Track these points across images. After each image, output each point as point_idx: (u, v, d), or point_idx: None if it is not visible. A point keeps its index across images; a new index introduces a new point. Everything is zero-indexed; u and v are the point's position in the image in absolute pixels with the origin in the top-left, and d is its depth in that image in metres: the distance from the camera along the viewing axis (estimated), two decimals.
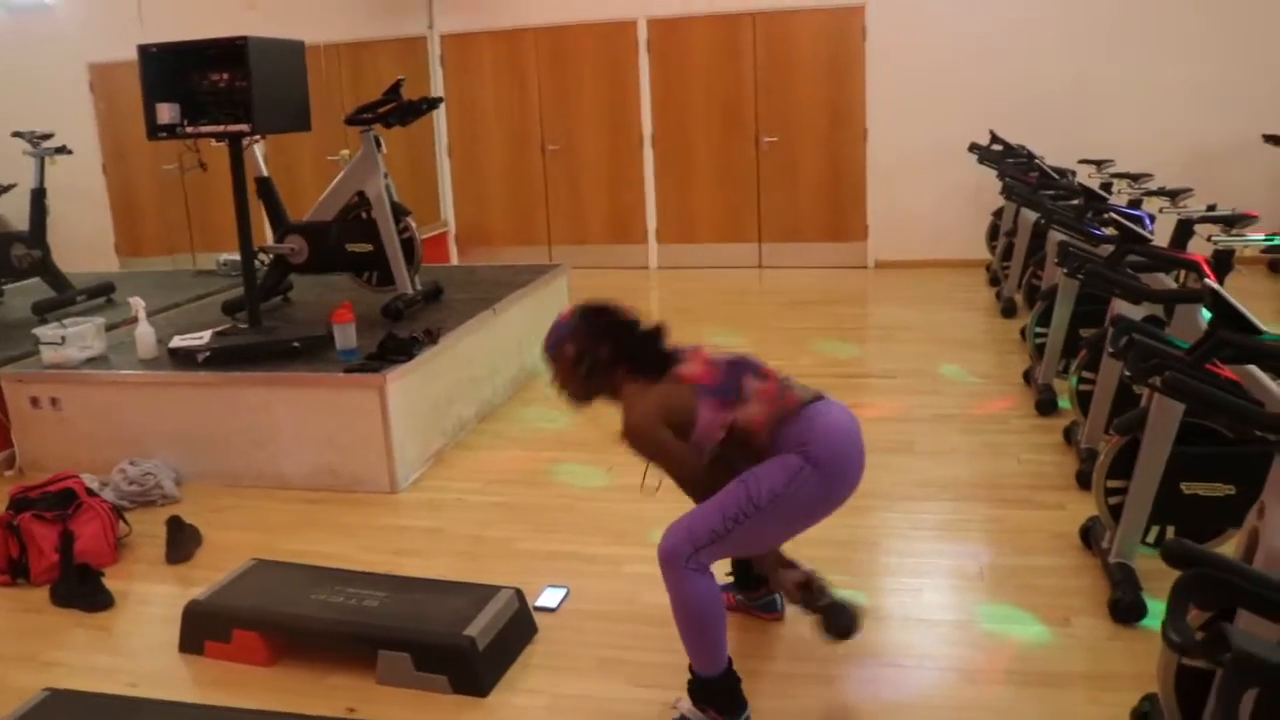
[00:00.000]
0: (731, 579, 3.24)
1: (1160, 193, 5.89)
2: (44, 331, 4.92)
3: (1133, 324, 2.43)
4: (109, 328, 5.24)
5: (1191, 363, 2.07)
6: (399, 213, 5.59)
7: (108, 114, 10.25)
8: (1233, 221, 4.68)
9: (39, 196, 6.41)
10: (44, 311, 5.98)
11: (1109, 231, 4.06)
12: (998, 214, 8.03)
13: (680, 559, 2.56)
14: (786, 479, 2.55)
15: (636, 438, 2.68)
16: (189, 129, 4.93)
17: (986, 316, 7.19)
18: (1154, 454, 3.15)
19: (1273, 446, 2.11)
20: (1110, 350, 2.40)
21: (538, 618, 3.28)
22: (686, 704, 2.67)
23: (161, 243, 10.40)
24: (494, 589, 3.20)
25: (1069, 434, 4.58)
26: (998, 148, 7.74)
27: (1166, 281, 3.90)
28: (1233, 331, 2.03)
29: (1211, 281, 2.22)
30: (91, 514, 3.92)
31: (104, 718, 2.69)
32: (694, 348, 2.81)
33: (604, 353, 2.76)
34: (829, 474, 2.59)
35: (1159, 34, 8.26)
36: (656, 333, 2.82)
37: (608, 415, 5.15)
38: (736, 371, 2.72)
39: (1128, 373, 2.20)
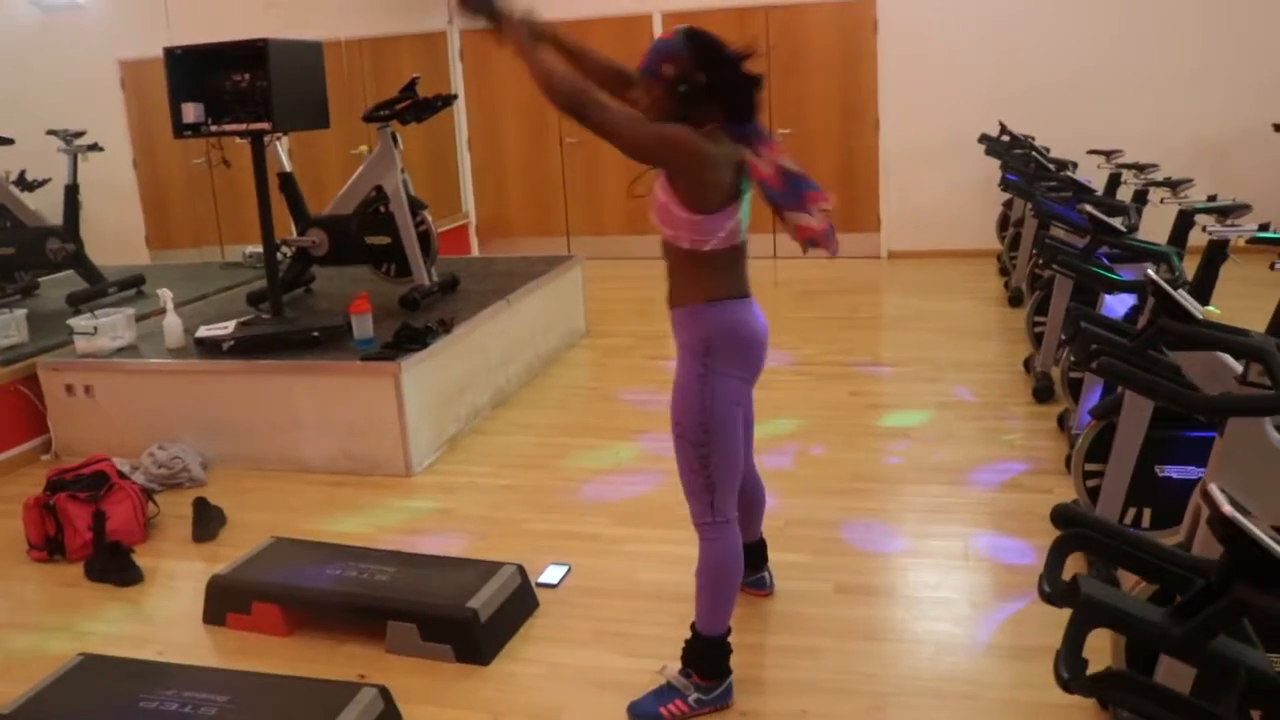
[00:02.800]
0: None
1: (1163, 183, 5.99)
2: (77, 322, 5.15)
3: (1083, 311, 2.57)
4: (139, 318, 5.47)
5: (1135, 349, 2.21)
6: (415, 206, 5.77)
7: (138, 110, 10.49)
8: (1228, 212, 4.78)
9: (72, 192, 6.64)
10: (78, 303, 6.21)
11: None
12: (1008, 204, 8.11)
13: (704, 517, 2.75)
14: (700, 404, 2.67)
15: (673, 140, 2.57)
16: (213, 127, 5.12)
17: (995, 306, 7.31)
18: (1129, 438, 3.28)
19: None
20: (1062, 337, 2.54)
21: (540, 593, 3.47)
22: (673, 669, 2.85)
23: (191, 236, 10.64)
24: (497, 565, 3.39)
25: (1062, 420, 4.71)
26: (1006, 139, 7.84)
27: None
28: (1172, 320, 2.17)
29: (1152, 272, 2.36)
30: (123, 495, 4.14)
31: (133, 681, 2.88)
32: (773, 143, 2.67)
33: (702, 80, 2.61)
34: (730, 374, 2.71)
35: (1169, 23, 8.31)
36: (757, 81, 2.66)
37: (615, 406, 5.30)
38: (790, 193, 2.63)
39: (1073, 358, 2.35)
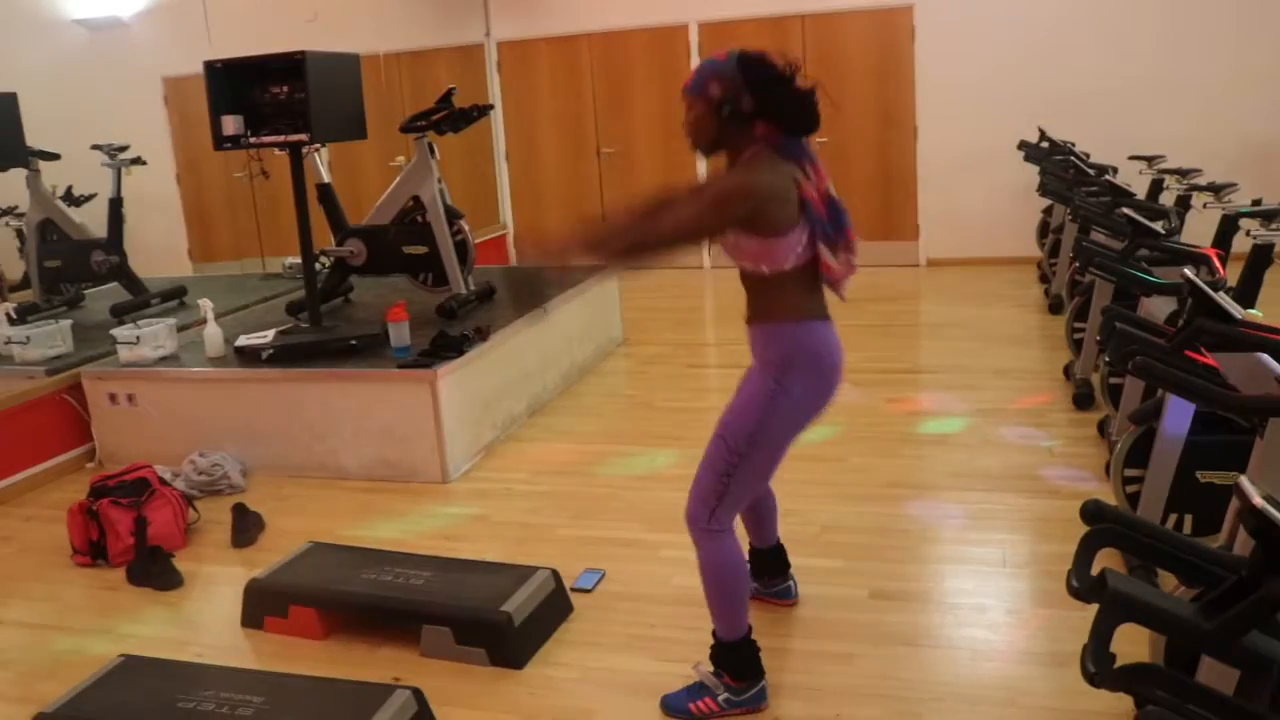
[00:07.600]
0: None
1: (1206, 188, 5.91)
2: (120, 332, 5.24)
3: (1118, 313, 2.54)
4: (180, 328, 5.55)
5: (1172, 349, 2.18)
6: (452, 216, 5.82)
7: (181, 125, 10.66)
8: (1273, 216, 4.71)
9: (116, 205, 6.75)
10: (121, 314, 6.32)
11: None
12: (1048, 211, 8.04)
13: (700, 522, 2.73)
14: (757, 418, 2.65)
15: (728, 196, 2.55)
16: (252, 139, 5.19)
17: (1036, 313, 7.23)
18: (1169, 443, 3.24)
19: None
20: (1098, 339, 2.51)
21: (574, 598, 3.47)
22: (705, 667, 2.85)
23: (232, 248, 10.79)
24: (531, 569, 3.40)
25: (1103, 427, 4.65)
26: (1045, 145, 7.77)
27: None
28: (1210, 320, 2.14)
29: (1190, 274, 2.33)
30: (163, 501, 4.20)
31: (172, 682, 2.92)
32: (820, 166, 2.64)
33: (748, 104, 2.55)
34: (800, 401, 2.68)
35: (1209, 27, 8.21)
36: (810, 98, 2.58)
37: (652, 413, 5.26)
38: (833, 224, 2.62)
39: (1108, 360, 2.32)
